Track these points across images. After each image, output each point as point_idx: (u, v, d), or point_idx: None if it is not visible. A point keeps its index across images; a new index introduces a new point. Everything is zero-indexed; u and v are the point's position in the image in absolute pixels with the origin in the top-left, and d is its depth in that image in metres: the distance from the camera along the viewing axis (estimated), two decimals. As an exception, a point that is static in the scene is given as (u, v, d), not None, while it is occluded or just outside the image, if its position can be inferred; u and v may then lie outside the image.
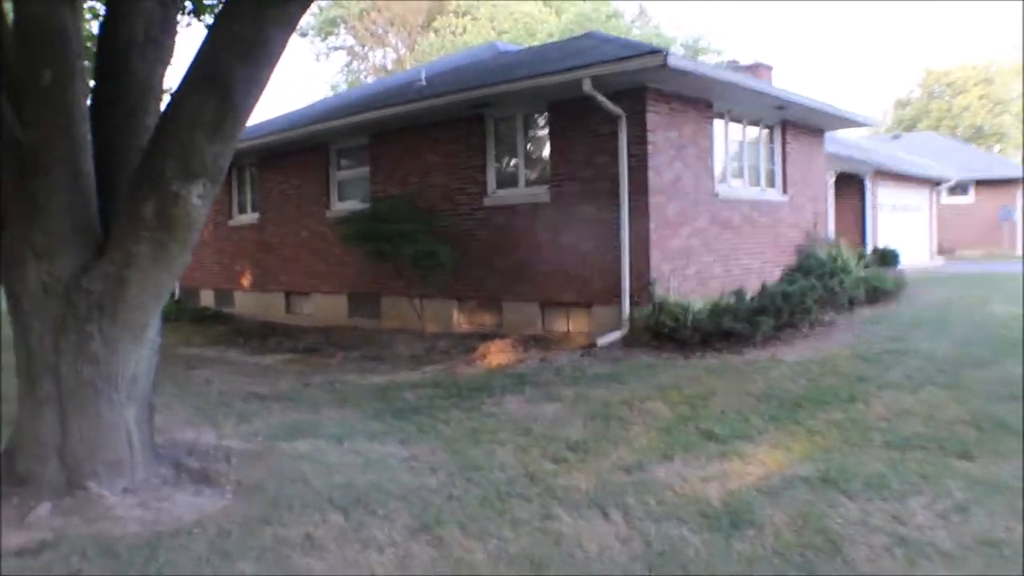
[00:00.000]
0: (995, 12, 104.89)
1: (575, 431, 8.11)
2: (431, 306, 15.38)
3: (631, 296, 12.93)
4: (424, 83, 17.05)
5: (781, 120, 16.89)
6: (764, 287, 14.13)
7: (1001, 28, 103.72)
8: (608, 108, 12.67)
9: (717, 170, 14.83)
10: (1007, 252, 38.11)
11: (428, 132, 15.87)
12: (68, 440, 6.29)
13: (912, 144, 39.17)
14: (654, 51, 12.08)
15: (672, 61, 11.79)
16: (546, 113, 14.26)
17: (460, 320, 15.45)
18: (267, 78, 6.13)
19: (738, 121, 15.66)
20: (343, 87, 59.79)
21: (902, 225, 29.70)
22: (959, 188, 38.91)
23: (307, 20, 57.66)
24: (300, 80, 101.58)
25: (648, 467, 6.93)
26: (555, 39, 39.73)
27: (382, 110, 15.81)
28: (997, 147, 66.75)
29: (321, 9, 59.58)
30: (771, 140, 16.89)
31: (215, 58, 5.95)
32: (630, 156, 12.87)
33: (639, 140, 12.88)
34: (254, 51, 5.89)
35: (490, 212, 14.90)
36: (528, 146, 14.91)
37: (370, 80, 58.70)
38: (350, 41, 61.47)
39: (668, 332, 12.26)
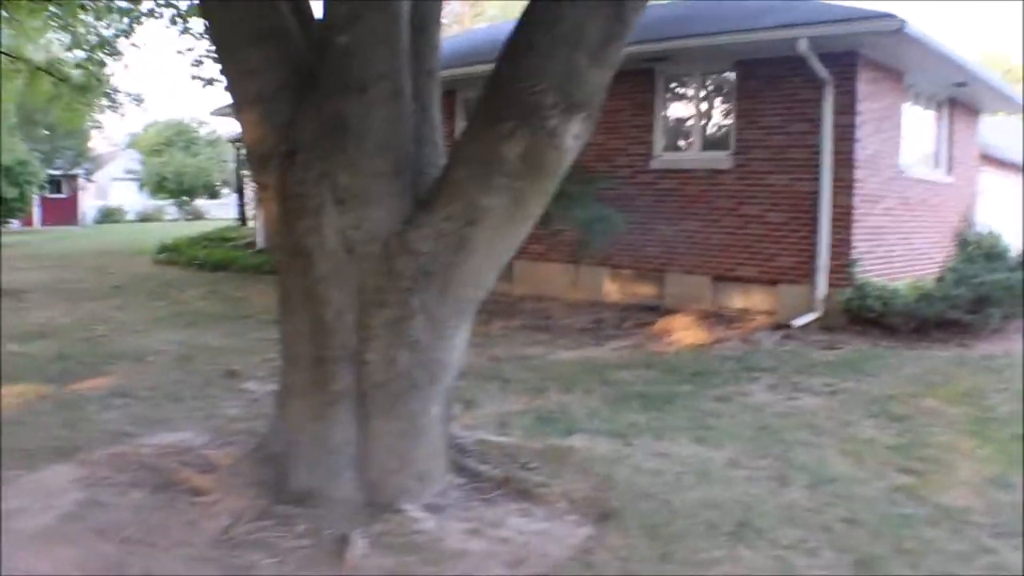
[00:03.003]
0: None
1: (875, 432, 7.12)
2: (579, 273, 14.25)
3: (828, 275, 11.89)
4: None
5: (949, 98, 15.76)
6: (966, 274, 13.05)
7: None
8: (817, 72, 11.59)
9: (902, 147, 13.70)
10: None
11: (583, 86, 14.66)
12: (371, 447, 5.00)
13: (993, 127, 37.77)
14: (887, 15, 10.95)
15: (908, 29, 10.73)
16: (731, 73, 13.16)
17: (611, 290, 14.38)
18: None
19: (917, 97, 14.54)
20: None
21: (995, 212, 28.58)
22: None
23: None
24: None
25: (1015, 483, 5.90)
26: None
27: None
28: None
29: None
30: (939, 119, 15.76)
31: None
32: (835, 126, 11.81)
33: (847, 109, 11.82)
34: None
35: (656, 176, 13.81)
36: (705, 107, 13.80)
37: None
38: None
39: (874, 317, 11.26)
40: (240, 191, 31.69)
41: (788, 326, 11.63)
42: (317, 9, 5.52)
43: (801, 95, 12.15)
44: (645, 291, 13.92)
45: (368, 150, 4.81)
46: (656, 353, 10.41)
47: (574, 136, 4.66)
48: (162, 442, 6.39)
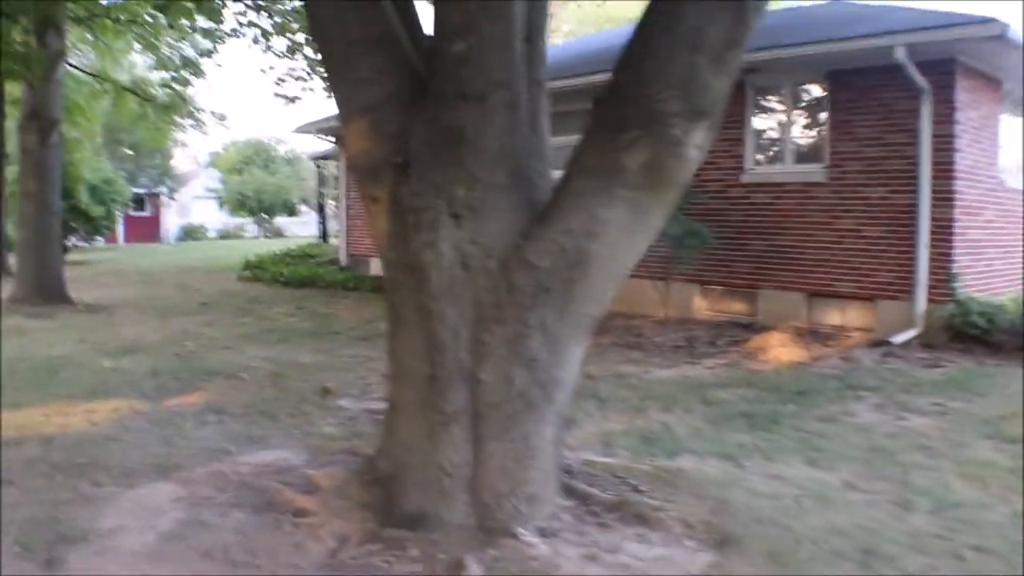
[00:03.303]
0: None
1: (991, 454, 6.79)
2: (669, 290, 14.00)
3: (928, 291, 11.54)
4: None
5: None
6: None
7: None
8: (914, 81, 11.24)
9: (1000, 157, 13.29)
10: None
11: (670, 99, 14.31)
12: (484, 469, 4.80)
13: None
14: (988, 19, 10.63)
15: (1011, 33, 10.42)
16: (823, 83, 12.86)
17: (702, 307, 14.13)
18: None
19: (1014, 105, 14.08)
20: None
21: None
22: None
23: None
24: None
25: None
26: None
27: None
28: None
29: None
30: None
31: None
32: (934, 136, 11.45)
33: (945, 119, 11.48)
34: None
35: (748, 190, 13.53)
36: (798, 119, 13.50)
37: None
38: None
39: (978, 334, 10.90)
40: (321, 209, 31.84)
41: (887, 343, 11.29)
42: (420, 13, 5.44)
43: (897, 105, 11.82)
44: (737, 308, 13.66)
45: (485, 162, 4.66)
46: (754, 371, 10.15)
47: (696, 145, 4.46)
48: (261, 460, 6.33)
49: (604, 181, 4.52)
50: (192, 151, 56.06)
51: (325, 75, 5.18)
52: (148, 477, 6.01)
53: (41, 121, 16.52)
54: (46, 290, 16.47)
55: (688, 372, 10.17)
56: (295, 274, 20.78)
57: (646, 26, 4.53)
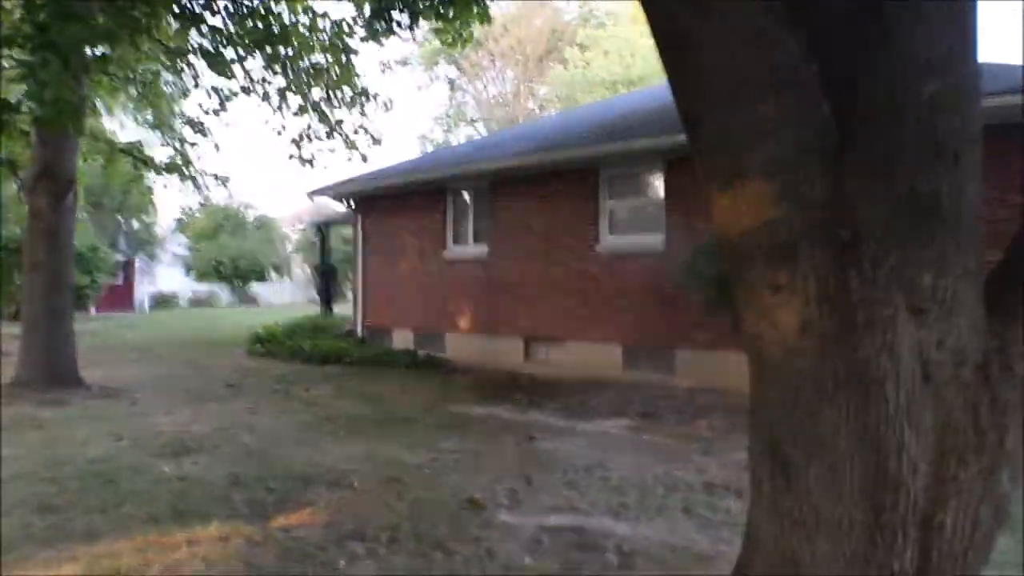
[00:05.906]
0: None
1: None
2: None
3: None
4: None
5: None
6: None
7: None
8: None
9: None
10: None
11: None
12: None
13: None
14: None
15: None
16: None
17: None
18: None
19: None
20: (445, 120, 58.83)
21: None
22: None
23: (412, 49, 56.25)
24: (405, 110, 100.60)
25: None
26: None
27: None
28: None
29: (429, 40, 58.04)
30: None
31: None
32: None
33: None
34: None
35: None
36: None
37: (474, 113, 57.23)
38: (453, 72, 59.55)
39: None
40: (327, 277, 29.83)
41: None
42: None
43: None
44: None
45: (960, 240, 3.20)
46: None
47: None
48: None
49: None
50: (181, 216, 54.72)
51: (690, 125, 3.44)
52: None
53: (56, 182, 14.78)
54: (56, 372, 14.69)
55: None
56: (317, 349, 19.04)
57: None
